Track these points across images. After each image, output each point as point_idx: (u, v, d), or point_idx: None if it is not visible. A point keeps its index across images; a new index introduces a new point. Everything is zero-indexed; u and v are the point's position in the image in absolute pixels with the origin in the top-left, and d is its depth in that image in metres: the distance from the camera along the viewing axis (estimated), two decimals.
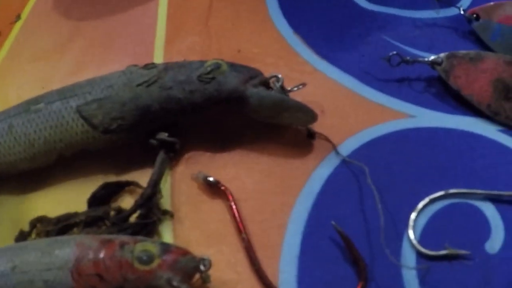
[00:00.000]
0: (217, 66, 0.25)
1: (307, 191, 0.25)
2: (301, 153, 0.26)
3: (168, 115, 0.26)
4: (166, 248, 0.22)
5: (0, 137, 0.27)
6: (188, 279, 0.22)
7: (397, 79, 0.29)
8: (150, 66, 0.26)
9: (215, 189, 0.26)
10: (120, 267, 0.22)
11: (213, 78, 0.25)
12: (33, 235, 0.26)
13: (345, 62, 0.29)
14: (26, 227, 0.26)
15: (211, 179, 0.25)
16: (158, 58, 0.31)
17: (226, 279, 0.23)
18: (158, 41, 0.32)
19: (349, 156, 0.26)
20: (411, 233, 0.24)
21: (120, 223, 0.25)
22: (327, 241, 0.24)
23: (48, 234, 0.26)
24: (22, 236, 0.26)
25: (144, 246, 0.22)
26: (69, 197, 0.27)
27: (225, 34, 0.31)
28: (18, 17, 0.38)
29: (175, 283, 0.21)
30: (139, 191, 0.26)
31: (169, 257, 0.22)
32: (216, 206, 0.25)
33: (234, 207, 0.25)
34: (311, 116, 0.25)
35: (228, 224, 0.24)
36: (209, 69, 0.25)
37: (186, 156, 0.27)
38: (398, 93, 0.28)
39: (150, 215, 0.25)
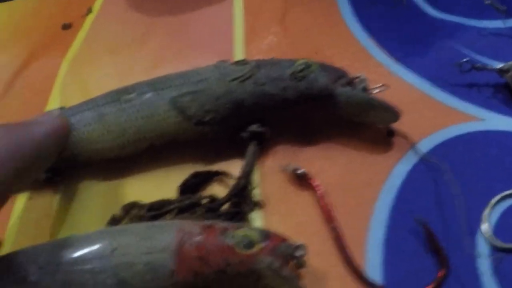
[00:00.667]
0: (308, 66, 0.27)
1: (389, 186, 0.26)
2: (381, 150, 0.28)
3: (260, 110, 0.27)
4: (265, 234, 0.24)
5: (89, 125, 0.28)
6: (286, 264, 0.23)
7: (467, 84, 0.30)
8: (242, 62, 0.28)
9: (302, 181, 0.27)
10: (223, 251, 0.23)
11: (304, 77, 0.26)
12: (124, 221, 0.27)
13: (418, 66, 0.31)
14: (113, 214, 0.27)
15: (300, 171, 0.27)
16: (239, 55, 0.32)
17: (315, 267, 0.24)
18: (237, 39, 0.33)
19: (424, 156, 0.28)
20: (485, 227, 0.26)
21: (213, 211, 0.26)
22: (409, 233, 0.25)
23: (141, 219, 0.27)
24: (115, 221, 0.27)
25: (245, 232, 0.24)
26: (156, 185, 0.28)
27: (301, 35, 0.33)
28: (89, 10, 0.39)
29: (275, 268, 0.23)
30: (228, 181, 0.28)
31: (269, 243, 0.23)
32: (304, 198, 0.26)
33: (322, 198, 0.26)
34: (395, 115, 0.27)
35: (315, 215, 0.26)
36: (300, 67, 0.27)
37: (274, 149, 0.28)
38: (468, 97, 0.30)
39: (242, 204, 0.26)
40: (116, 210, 0.27)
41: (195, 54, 0.33)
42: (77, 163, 0.29)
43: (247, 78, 0.27)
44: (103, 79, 0.34)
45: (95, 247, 0.24)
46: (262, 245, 0.23)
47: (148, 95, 0.27)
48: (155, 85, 0.28)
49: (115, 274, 0.23)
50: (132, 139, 0.28)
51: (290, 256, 0.24)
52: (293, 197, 0.27)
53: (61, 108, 0.31)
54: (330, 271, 0.24)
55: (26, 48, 0.39)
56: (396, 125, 0.28)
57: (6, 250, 0.29)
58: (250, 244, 0.23)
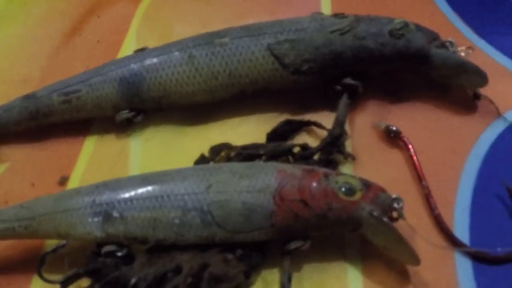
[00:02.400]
0: (406, 25, 0.27)
1: (476, 150, 0.27)
2: (468, 115, 0.28)
3: (357, 64, 0.27)
4: (366, 183, 0.24)
5: (179, 66, 0.28)
6: (385, 214, 0.23)
7: None
8: (340, 16, 0.28)
9: (393, 139, 0.27)
10: (326, 195, 0.23)
11: (402, 35, 0.27)
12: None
13: (501, 45, 0.31)
14: (202, 153, 0.27)
15: (393, 128, 0.27)
16: (326, 9, 0.32)
17: (403, 224, 0.24)
18: None
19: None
20: None
21: (306, 159, 0.26)
22: (496, 197, 0.25)
23: (230, 161, 0.27)
24: (204, 161, 0.27)
25: (346, 178, 0.24)
26: (242, 132, 0.28)
27: (386, 4, 0.33)
28: None
29: (377, 216, 0.22)
30: (317, 132, 0.28)
31: (370, 191, 0.23)
32: (394, 155, 0.27)
33: (415, 155, 0.26)
34: (483, 79, 0.27)
35: (404, 173, 0.26)
36: (399, 26, 0.27)
37: (364, 105, 0.28)
38: None
39: (334, 154, 0.26)
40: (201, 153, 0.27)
41: (280, 7, 0.33)
42: (161, 105, 0.29)
43: (347, 31, 0.27)
44: (183, 24, 0.33)
45: (188, 183, 0.24)
46: (363, 193, 0.23)
47: (244, 40, 0.27)
48: (249, 30, 0.28)
49: (207, 212, 0.23)
50: (224, 84, 0.27)
51: (388, 207, 0.24)
52: (383, 154, 0.27)
53: (142, 49, 0.30)
54: (418, 228, 0.24)
55: None
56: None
57: (73, 186, 0.29)
58: (351, 191, 0.23)
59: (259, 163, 0.25)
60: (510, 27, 0.33)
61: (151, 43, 0.32)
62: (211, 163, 0.26)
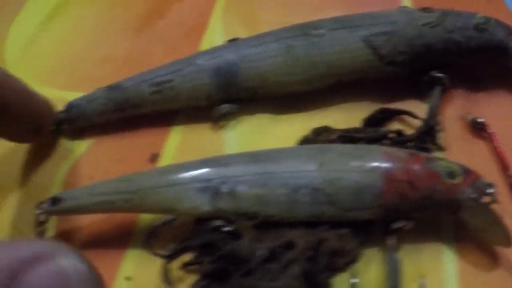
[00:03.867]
0: (488, 19, 0.29)
1: None
2: None
3: (445, 56, 0.28)
4: (465, 168, 0.25)
5: (277, 56, 0.28)
6: (482, 198, 0.25)
7: None
8: (428, 10, 0.29)
9: (479, 130, 0.29)
10: (430, 177, 0.24)
11: (486, 29, 0.28)
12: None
13: None
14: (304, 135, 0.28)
15: (479, 119, 0.29)
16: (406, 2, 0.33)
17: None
18: None
19: None
20: None
21: (401, 145, 0.27)
22: None
23: (332, 143, 0.27)
24: (306, 142, 0.28)
25: (448, 163, 0.26)
26: (336, 119, 0.29)
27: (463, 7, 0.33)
28: None
29: (476, 199, 0.24)
30: (409, 121, 0.29)
31: (469, 176, 0.25)
32: (480, 146, 0.28)
33: (499, 147, 0.28)
34: None
35: (491, 163, 0.28)
36: (482, 20, 0.29)
37: (450, 97, 0.30)
38: None
39: (426, 143, 0.28)
40: (289, 142, 0.28)
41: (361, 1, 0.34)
42: (257, 95, 0.29)
43: (437, 25, 0.28)
44: (267, 13, 0.34)
45: (300, 161, 0.25)
46: (463, 177, 0.25)
47: (339, 31, 0.28)
48: (343, 22, 0.29)
49: (319, 190, 0.24)
50: (322, 74, 0.28)
51: (483, 192, 0.25)
52: (469, 145, 0.29)
53: (235, 39, 0.30)
54: (508, 215, 0.26)
55: None
56: None
57: (165, 164, 0.29)
58: (453, 175, 0.25)
59: (365, 145, 0.26)
60: None
61: (238, 30, 0.33)
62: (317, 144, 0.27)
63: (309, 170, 0.24)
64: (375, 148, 0.26)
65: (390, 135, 0.28)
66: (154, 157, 0.30)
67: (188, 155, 0.29)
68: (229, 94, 0.29)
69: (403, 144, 0.28)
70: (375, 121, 0.28)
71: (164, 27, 0.36)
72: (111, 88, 0.30)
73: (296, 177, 0.24)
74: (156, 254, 0.25)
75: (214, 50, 0.30)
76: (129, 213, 0.27)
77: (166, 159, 0.30)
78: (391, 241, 0.25)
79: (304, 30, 0.29)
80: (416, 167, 0.25)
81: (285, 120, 0.30)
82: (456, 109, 0.30)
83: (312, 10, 0.33)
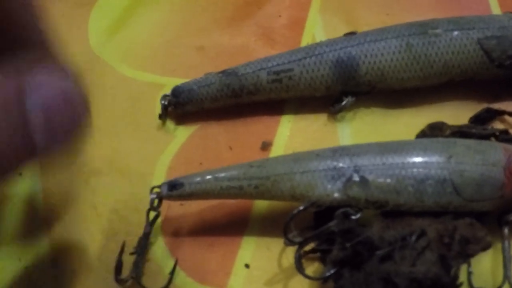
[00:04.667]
0: None
1: None
2: None
3: None
4: None
5: (397, 53, 0.29)
6: None
7: None
8: None
9: None
10: None
11: None
12: None
13: None
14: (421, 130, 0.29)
15: None
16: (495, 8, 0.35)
17: None
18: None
19: None
20: None
21: (505, 143, 0.29)
22: None
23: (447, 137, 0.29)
24: (423, 135, 0.29)
25: None
26: (445, 116, 0.30)
27: None
28: None
29: None
30: (508, 121, 0.31)
31: None
32: None
33: None
34: None
35: None
36: None
37: None
38: None
39: None
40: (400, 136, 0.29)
41: (451, 2, 0.35)
42: (375, 89, 0.30)
43: None
44: (366, 10, 0.35)
45: (430, 152, 0.26)
46: None
47: (455, 33, 0.30)
48: (458, 24, 0.30)
49: (448, 180, 0.25)
50: (438, 72, 0.30)
51: None
52: None
53: (352, 33, 0.31)
54: None
55: None
56: None
57: (276, 153, 0.30)
58: None
59: (486, 141, 0.28)
60: None
61: (338, 26, 0.34)
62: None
63: (438, 161, 0.26)
64: (495, 144, 0.28)
65: (498, 134, 0.29)
66: (266, 145, 0.30)
67: (299, 144, 0.30)
68: (348, 86, 0.30)
69: (509, 142, 0.29)
70: (481, 119, 0.30)
71: (262, 17, 0.36)
72: (226, 74, 0.30)
73: (428, 167, 0.26)
74: (290, 242, 0.25)
75: (334, 42, 0.30)
76: (255, 199, 0.28)
77: (278, 148, 0.30)
78: (506, 231, 0.27)
79: (422, 28, 0.30)
80: None
81: (395, 115, 0.31)
82: None
83: (411, 10, 0.35)
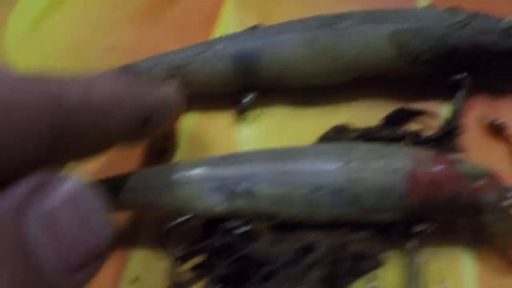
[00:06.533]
0: None
1: None
2: None
3: (470, 59, 0.28)
4: (487, 170, 0.25)
5: (300, 47, 0.27)
6: (505, 202, 0.24)
7: None
8: (455, 10, 0.28)
9: (499, 133, 0.28)
10: (455, 180, 0.24)
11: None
12: None
13: None
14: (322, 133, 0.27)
15: (499, 122, 0.28)
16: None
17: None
18: None
19: None
20: None
21: (418, 145, 0.27)
22: None
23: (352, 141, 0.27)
24: (326, 140, 0.27)
25: (471, 165, 0.25)
26: (359, 116, 0.28)
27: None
28: None
29: (498, 203, 0.24)
30: (428, 122, 0.28)
31: (492, 180, 0.25)
32: (497, 148, 0.28)
33: None
34: None
35: (508, 166, 0.27)
36: (509, 24, 0.28)
37: (473, 100, 0.29)
38: None
39: (445, 145, 0.27)
40: (308, 137, 0.27)
41: None
42: (277, 85, 0.28)
43: (463, 26, 0.28)
44: (282, 4, 0.32)
45: (325, 158, 0.24)
46: (486, 180, 0.24)
47: (365, 26, 0.27)
48: (370, 16, 0.28)
49: (343, 190, 0.23)
50: (344, 68, 0.28)
51: (504, 196, 0.25)
52: (487, 148, 0.28)
53: (256, 26, 0.29)
54: None
55: None
56: None
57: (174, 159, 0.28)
58: (477, 177, 0.24)
59: (391, 145, 0.26)
60: None
61: (250, 21, 0.31)
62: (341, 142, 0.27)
63: (333, 169, 0.23)
64: (401, 148, 0.25)
65: (409, 136, 0.27)
66: (161, 151, 0.28)
67: (202, 146, 0.28)
68: (249, 83, 0.28)
69: (422, 145, 0.27)
70: (395, 120, 0.28)
71: (175, 15, 0.34)
72: (124, 70, 0.29)
73: (318, 176, 0.23)
74: (169, 254, 0.24)
75: (234, 36, 0.29)
76: (139, 211, 0.26)
77: (176, 153, 0.28)
78: (412, 244, 0.24)
79: (330, 22, 0.28)
80: (441, 168, 0.24)
81: (304, 115, 0.29)
82: (477, 112, 0.29)
83: (329, 4, 0.32)
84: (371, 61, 0.27)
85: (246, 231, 0.23)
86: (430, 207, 0.24)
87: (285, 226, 0.24)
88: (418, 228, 0.24)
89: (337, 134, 0.26)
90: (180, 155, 0.28)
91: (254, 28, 0.29)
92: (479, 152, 0.28)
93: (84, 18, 0.35)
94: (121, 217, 0.26)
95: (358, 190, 0.23)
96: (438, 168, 0.24)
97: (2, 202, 0.13)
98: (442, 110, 0.28)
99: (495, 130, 0.29)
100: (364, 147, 0.25)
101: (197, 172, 0.24)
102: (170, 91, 0.23)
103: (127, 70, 0.28)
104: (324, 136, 0.27)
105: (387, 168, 0.23)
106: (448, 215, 0.24)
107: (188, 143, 0.29)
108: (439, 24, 0.28)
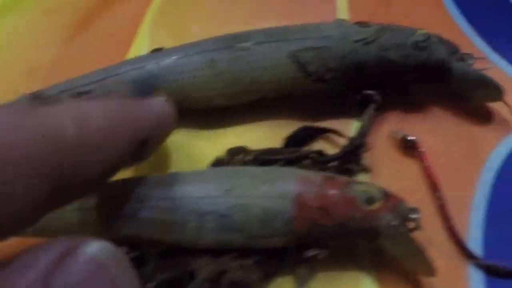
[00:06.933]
0: (429, 37, 0.27)
1: (493, 161, 0.27)
2: (486, 127, 0.28)
3: (380, 74, 0.27)
4: (386, 192, 0.24)
5: (198, 70, 0.27)
6: (404, 224, 0.23)
7: None
8: (364, 24, 0.27)
9: (410, 149, 0.27)
10: (346, 204, 0.23)
11: (425, 47, 0.27)
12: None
13: None
14: (217, 156, 0.27)
15: (409, 137, 0.27)
16: (343, 15, 0.32)
17: (417, 234, 0.24)
18: (342, 5, 0.33)
19: None
20: None
21: (322, 165, 0.26)
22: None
23: (247, 165, 0.26)
24: (219, 164, 0.26)
25: (367, 187, 0.24)
26: (260, 136, 0.28)
27: (401, 15, 0.33)
28: None
29: (396, 226, 0.22)
30: (335, 140, 0.28)
31: (389, 201, 0.23)
32: (410, 165, 0.27)
33: (429, 166, 0.26)
34: (501, 93, 0.27)
35: (420, 183, 0.26)
36: (422, 37, 0.27)
37: (383, 115, 0.28)
38: None
39: (351, 164, 0.26)
40: (209, 159, 0.26)
41: (297, 9, 0.32)
42: (180, 109, 0.27)
43: (371, 41, 0.26)
44: (198, 24, 0.32)
45: (207, 185, 0.23)
46: (382, 202, 0.23)
47: (266, 45, 0.27)
48: (273, 35, 0.27)
49: (225, 216, 0.22)
50: (245, 90, 0.27)
51: (406, 218, 0.24)
52: (399, 164, 0.27)
53: (159, 49, 0.29)
54: (432, 240, 0.25)
55: None
56: (497, 107, 0.29)
57: None
58: (372, 200, 0.23)
59: (279, 168, 0.25)
60: None
61: (165, 41, 0.31)
62: (229, 166, 0.26)
63: (216, 195, 0.23)
64: (288, 171, 0.24)
65: (312, 155, 0.26)
66: None
67: None
68: None
69: (325, 164, 0.26)
70: (299, 139, 0.27)
71: (94, 36, 0.34)
72: (33, 95, 0.29)
73: (203, 203, 0.23)
74: None
75: (136, 61, 0.28)
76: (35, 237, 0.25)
77: None
78: (303, 269, 0.24)
79: (230, 42, 0.27)
80: (331, 192, 0.23)
81: (205, 136, 0.28)
82: (389, 128, 0.28)
83: (244, 21, 0.32)
84: (272, 82, 0.27)
85: (133, 257, 0.23)
86: (320, 232, 0.23)
87: (175, 251, 0.23)
88: (309, 253, 0.23)
89: (232, 157, 0.26)
90: None
91: (157, 50, 0.29)
92: (390, 168, 0.27)
93: (7, 41, 0.36)
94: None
95: (241, 217, 0.22)
96: (327, 192, 0.23)
97: (29, 274, 0.12)
98: (351, 128, 0.28)
99: (407, 146, 0.28)
100: (249, 172, 0.24)
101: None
102: (163, 107, 0.22)
103: (36, 96, 0.28)
104: (218, 160, 0.26)
105: (272, 194, 0.23)
106: (341, 241, 0.23)
107: None
108: (345, 41, 0.27)
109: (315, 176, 0.24)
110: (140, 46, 0.33)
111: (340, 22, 0.28)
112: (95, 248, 0.13)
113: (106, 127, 0.17)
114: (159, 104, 0.22)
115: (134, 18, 0.34)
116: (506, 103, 0.28)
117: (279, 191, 0.23)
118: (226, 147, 0.27)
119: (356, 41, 0.26)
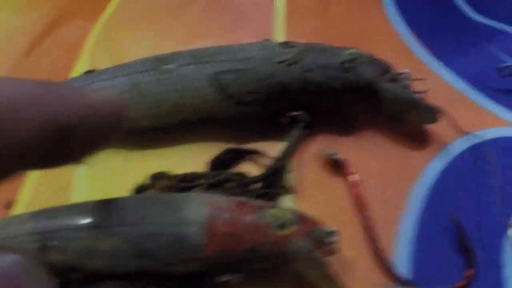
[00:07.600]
0: (358, 56, 0.26)
1: (422, 181, 0.27)
2: (417, 146, 0.28)
3: (304, 96, 0.26)
4: (300, 216, 0.23)
5: (125, 92, 0.27)
6: (317, 249, 0.23)
7: (506, 89, 0.30)
8: (290, 44, 0.27)
9: (337, 168, 0.27)
10: (257, 229, 0.23)
11: (352, 68, 0.26)
12: (151, 190, 0.27)
13: (457, 67, 0.31)
14: (138, 182, 0.26)
15: (336, 156, 0.26)
16: (279, 35, 0.31)
17: (344, 255, 0.24)
18: (278, 19, 0.33)
19: (459, 155, 0.28)
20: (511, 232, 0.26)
21: (244, 188, 0.26)
22: (440, 230, 0.25)
23: (169, 190, 0.26)
24: (141, 189, 0.26)
25: (278, 212, 0.23)
26: (186, 158, 0.28)
27: (342, 25, 0.32)
28: None
29: (307, 252, 0.22)
30: (260, 161, 0.27)
31: (302, 226, 0.23)
32: (338, 185, 0.26)
33: (355, 185, 0.26)
34: (435, 116, 0.26)
35: (347, 203, 0.26)
36: (349, 58, 0.26)
37: (312, 137, 0.28)
38: (505, 102, 0.30)
39: (274, 186, 0.26)
40: (143, 179, 0.27)
41: (234, 28, 0.32)
42: None
43: (294, 62, 0.26)
44: (136, 45, 0.33)
45: (122, 214, 0.23)
46: (295, 227, 0.23)
47: (188, 68, 0.27)
48: (196, 57, 0.27)
49: (139, 244, 0.23)
50: (167, 111, 0.27)
51: (322, 242, 0.23)
52: (326, 184, 0.27)
53: (91, 71, 0.29)
54: (358, 261, 0.24)
55: (58, 6, 0.37)
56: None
57: (20, 210, 0.28)
58: (283, 225, 0.23)
59: (193, 195, 0.25)
60: (469, 48, 0.32)
61: (103, 64, 0.31)
62: (149, 192, 0.26)
63: (131, 223, 0.23)
64: (201, 198, 0.24)
65: (234, 178, 0.26)
66: (9, 204, 0.29)
67: (44, 200, 0.28)
68: None
69: (247, 186, 0.26)
70: (224, 162, 0.27)
71: (39, 62, 0.35)
72: None
73: (118, 231, 0.23)
74: None
75: (68, 82, 0.29)
76: None
77: (22, 204, 0.29)
78: None
79: (156, 64, 0.27)
80: (241, 218, 0.23)
81: (136, 158, 0.28)
82: (317, 148, 0.27)
83: (184, 40, 0.32)
84: (192, 104, 0.26)
85: (58, 283, 0.24)
86: (231, 257, 0.22)
87: (98, 277, 0.24)
88: (222, 279, 0.23)
89: (154, 182, 0.26)
90: (28, 202, 0.29)
91: (89, 72, 0.29)
92: (317, 188, 0.27)
93: None
94: None
95: (153, 244, 0.22)
96: (238, 218, 0.22)
97: None
98: (278, 149, 0.27)
99: (335, 165, 0.27)
100: (161, 200, 0.24)
101: (15, 226, 0.24)
102: (104, 100, 0.19)
103: None
104: (140, 186, 0.26)
105: (184, 220, 0.23)
106: (253, 266, 0.23)
107: (32, 198, 0.29)
108: (267, 62, 0.26)
109: (227, 202, 0.23)
110: (80, 69, 0.33)
111: (265, 43, 0.27)
112: (8, 261, 0.12)
113: (8, 103, 0.15)
114: (98, 96, 0.18)
115: (77, 42, 0.35)
116: (445, 115, 0.27)
117: (190, 218, 0.23)
118: (158, 168, 0.27)
119: (279, 62, 0.26)
